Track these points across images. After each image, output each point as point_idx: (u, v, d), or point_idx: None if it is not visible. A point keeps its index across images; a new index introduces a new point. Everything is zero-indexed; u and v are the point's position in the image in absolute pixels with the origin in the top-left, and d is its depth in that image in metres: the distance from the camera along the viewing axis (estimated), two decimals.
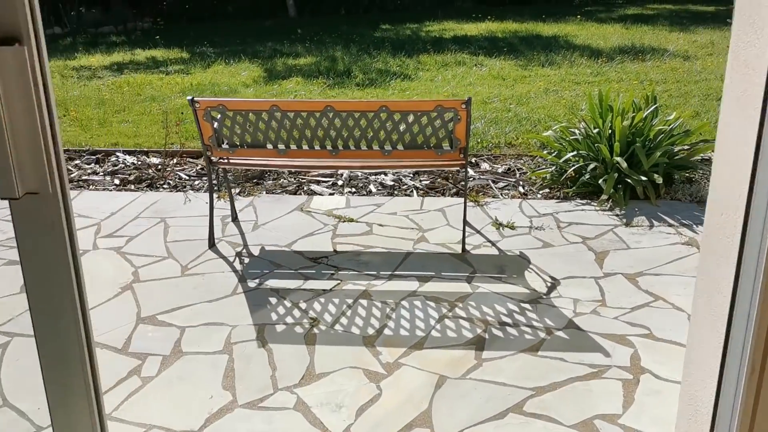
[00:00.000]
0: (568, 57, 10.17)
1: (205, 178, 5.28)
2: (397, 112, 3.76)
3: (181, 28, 17.07)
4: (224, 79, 9.63)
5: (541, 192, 4.93)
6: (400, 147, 3.90)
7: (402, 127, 3.83)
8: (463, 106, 3.71)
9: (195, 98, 3.84)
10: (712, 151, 5.50)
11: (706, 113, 6.77)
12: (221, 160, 4.09)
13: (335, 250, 4.05)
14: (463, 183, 4.95)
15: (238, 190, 5.04)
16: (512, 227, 4.30)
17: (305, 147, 3.95)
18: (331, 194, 5.01)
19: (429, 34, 13.59)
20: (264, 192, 5.06)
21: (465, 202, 4.05)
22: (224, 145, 4.00)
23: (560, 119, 6.76)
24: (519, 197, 4.86)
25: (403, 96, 8.30)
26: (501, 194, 4.94)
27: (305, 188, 5.12)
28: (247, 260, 3.95)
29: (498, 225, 4.33)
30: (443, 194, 4.98)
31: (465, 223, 4.05)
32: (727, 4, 16.55)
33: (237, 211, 4.61)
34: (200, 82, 9.39)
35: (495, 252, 3.98)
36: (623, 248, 3.95)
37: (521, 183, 5.11)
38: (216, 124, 3.92)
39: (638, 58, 9.87)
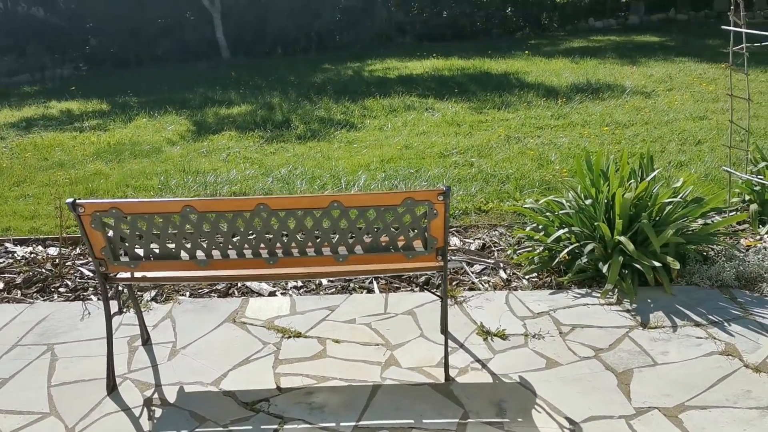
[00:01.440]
0: (523, 97, 9.50)
1: None
2: (353, 209, 2.84)
3: (104, 75, 15.88)
4: (147, 135, 8.56)
5: (528, 278, 4.06)
6: (358, 250, 2.97)
7: (360, 227, 2.91)
8: (440, 197, 2.82)
9: (78, 200, 2.83)
10: (732, 226, 4.88)
11: (691, 163, 6.09)
12: (121, 276, 3.08)
13: (279, 387, 3.07)
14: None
15: (152, 294, 4.01)
16: (503, 336, 3.40)
17: (233, 256, 2.98)
18: (272, 293, 4.03)
19: (372, 74, 12.82)
20: (188, 293, 4.04)
21: (445, 313, 3.13)
22: (123, 258, 2.99)
23: (531, 176, 5.97)
24: (503, 287, 3.98)
25: (350, 149, 7.41)
26: (480, 283, 4.05)
27: (239, 285, 4.13)
28: (158, 412, 2.93)
29: (485, 333, 3.43)
30: (410, 284, 4.07)
31: (446, 339, 3.13)
32: (667, 34, 16.39)
33: (148, 331, 3.57)
34: (119, 141, 8.29)
35: (488, 378, 3.06)
36: (649, 364, 3.09)
37: (502, 265, 4.24)
38: (111, 233, 2.92)
39: (598, 97, 9.26)
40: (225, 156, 7.33)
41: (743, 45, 4.52)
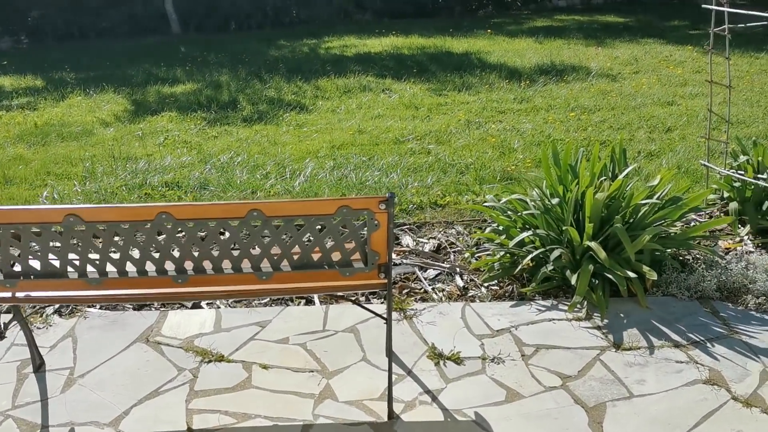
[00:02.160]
0: (485, 79, 9.04)
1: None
2: (277, 218, 2.34)
3: (46, 49, 14.92)
4: (79, 115, 7.87)
5: (487, 286, 3.62)
6: (285, 267, 2.48)
7: (287, 239, 2.41)
8: (382, 206, 2.33)
9: None
10: (712, 230, 4.36)
11: (662, 153, 5.71)
12: (1, 296, 2.54)
13: (190, 429, 2.57)
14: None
15: (54, 308, 3.45)
16: (458, 360, 2.95)
17: (132, 273, 2.46)
18: (196, 304, 3.51)
19: (329, 52, 12.21)
20: (97, 305, 3.50)
21: (389, 338, 2.66)
22: None
23: (493, 166, 5.52)
24: (459, 297, 3.53)
25: (299, 133, 6.87)
26: (434, 291, 3.59)
27: None
28: None
29: (437, 357, 2.98)
30: (354, 293, 3.59)
31: (390, 369, 2.66)
32: (634, 15, 16.09)
33: (42, 354, 3.03)
34: (47, 121, 7.59)
35: (438, 415, 2.61)
36: (624, 396, 2.68)
37: (459, 271, 3.79)
38: None
39: (562, 79, 8.85)
40: (162, 140, 6.71)
41: (725, 26, 4.11)
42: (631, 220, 3.49)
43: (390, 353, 2.69)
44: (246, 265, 2.46)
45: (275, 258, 2.44)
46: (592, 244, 3.28)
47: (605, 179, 3.62)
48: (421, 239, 4.27)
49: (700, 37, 11.97)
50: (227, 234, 2.37)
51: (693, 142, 5.99)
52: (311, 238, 2.40)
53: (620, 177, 3.52)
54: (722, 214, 4.19)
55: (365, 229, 2.38)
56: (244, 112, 7.77)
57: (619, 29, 13.67)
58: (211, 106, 8.07)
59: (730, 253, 3.80)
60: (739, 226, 4.01)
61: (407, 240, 4.26)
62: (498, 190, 4.88)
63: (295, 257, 2.46)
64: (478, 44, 12.22)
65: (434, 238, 4.27)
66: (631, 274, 3.21)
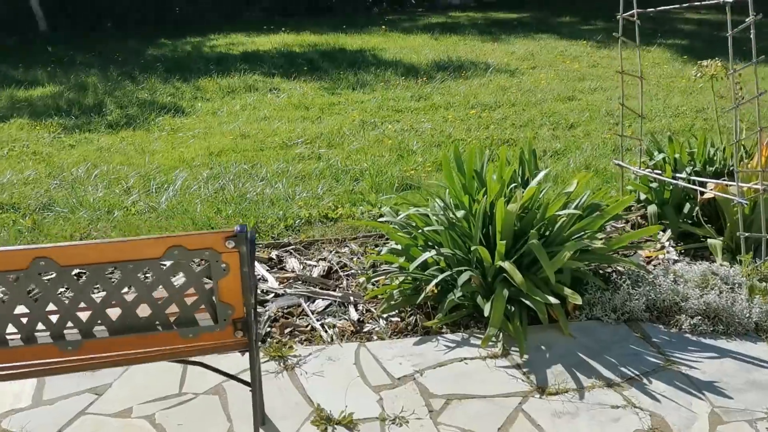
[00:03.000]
0: (381, 76, 8.50)
1: None
2: (77, 267, 1.64)
3: None
4: None
5: (386, 317, 3.04)
6: (101, 332, 1.78)
7: (99, 294, 1.72)
8: (230, 243, 1.69)
9: None
10: (639, 240, 3.94)
11: (568, 151, 5.33)
12: None
13: None
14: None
15: None
16: (350, 424, 2.35)
17: None
18: None
19: (214, 50, 11.34)
20: None
21: (256, 408, 2.02)
22: None
23: (390, 171, 4.96)
24: (353, 334, 2.93)
25: (173, 139, 6.06)
26: (324, 328, 2.97)
27: None
28: None
29: (325, 421, 2.36)
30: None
31: None
32: (524, 11, 16.09)
33: None
34: None
35: None
36: None
37: (353, 300, 3.19)
38: None
39: (461, 75, 8.45)
40: (6, 151, 5.73)
41: (634, 11, 3.72)
42: (548, 234, 3.01)
43: (257, 429, 2.05)
44: (43, 335, 1.75)
45: (85, 321, 1.75)
46: (506, 265, 2.76)
47: (516, 186, 3.12)
48: (309, 261, 3.64)
49: (592, 32, 11.97)
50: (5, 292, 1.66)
51: (598, 138, 5.67)
52: (135, 292, 1.73)
53: (533, 183, 3.03)
54: (639, 218, 3.80)
55: (210, 275, 1.73)
56: (110, 117, 6.86)
57: (513, 25, 13.54)
58: (71, 110, 7.10)
59: (653, 263, 3.40)
60: (660, 231, 3.63)
61: (293, 263, 3.61)
62: (396, 200, 4.32)
63: (115, 317, 1.77)
64: (373, 41, 11.70)
65: (324, 259, 3.65)
66: (552, 300, 2.71)
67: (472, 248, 2.83)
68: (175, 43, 12.42)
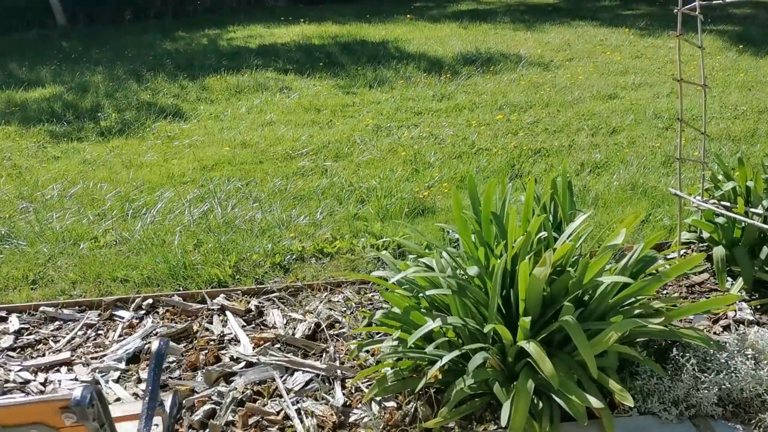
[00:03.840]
0: (401, 71, 7.82)
1: None
2: None
3: None
4: None
5: (380, 399, 2.40)
6: None
7: None
8: (69, 417, 1.04)
9: None
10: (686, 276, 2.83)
11: (610, 164, 4.59)
12: None
13: None
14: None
15: None
16: None
17: None
18: None
19: (230, 43, 10.77)
20: None
21: None
22: None
23: (401, 190, 4.29)
24: (336, 428, 2.30)
25: (166, 149, 5.49)
26: (300, 416, 2.35)
27: None
28: None
29: None
30: None
31: None
32: None
33: None
34: None
35: None
36: None
37: (340, 373, 2.56)
38: None
39: (488, 70, 7.71)
40: None
41: (695, 3, 2.98)
42: (587, 299, 2.32)
43: None
44: None
45: None
46: (531, 348, 2.09)
47: (545, 241, 2.43)
48: (294, 314, 3.01)
49: (634, 18, 11.07)
50: None
51: (645, 147, 4.92)
52: None
53: (566, 237, 2.34)
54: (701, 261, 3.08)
55: None
56: (105, 123, 6.32)
57: (547, 11, 12.68)
58: (65, 115, 6.58)
59: (720, 322, 2.69)
60: (728, 278, 2.91)
61: (275, 317, 2.99)
62: (403, 232, 3.66)
63: None
64: (397, 31, 10.99)
65: (313, 312, 3.02)
66: (594, 402, 2.03)
67: (488, 326, 2.17)
68: (192, 36, 11.88)
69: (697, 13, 3.02)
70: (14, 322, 3.01)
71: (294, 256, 3.53)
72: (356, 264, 3.43)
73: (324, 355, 2.70)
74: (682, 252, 3.19)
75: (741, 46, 8.24)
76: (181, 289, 3.25)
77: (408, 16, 12.61)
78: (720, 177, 3.19)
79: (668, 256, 3.19)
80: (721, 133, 5.13)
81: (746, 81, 6.66)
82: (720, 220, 2.97)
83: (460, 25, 11.37)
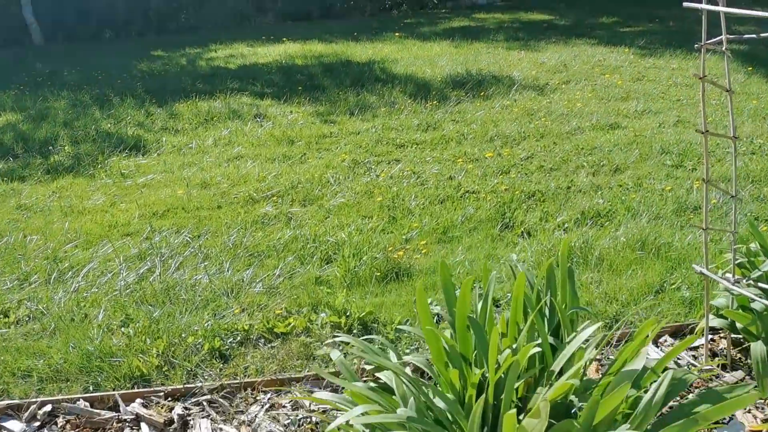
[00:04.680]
0: (386, 96, 7.25)
1: None
2: None
3: None
4: None
5: None
6: None
7: None
8: None
9: None
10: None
11: (614, 214, 3.99)
12: None
13: None
14: None
15: None
16: None
17: None
18: None
19: (210, 64, 10.21)
20: None
21: None
22: None
23: (374, 245, 3.69)
24: None
25: (116, 190, 4.89)
26: None
27: None
28: None
29: None
30: None
31: None
32: (555, 12, 14.64)
33: None
34: None
35: None
36: None
37: None
38: None
39: (479, 95, 7.15)
40: None
41: (722, 37, 2.42)
42: None
43: None
44: None
45: None
46: None
47: (538, 352, 1.83)
48: (227, 426, 2.41)
49: (634, 35, 10.54)
50: None
51: (653, 191, 4.33)
52: None
53: (566, 378, 1.74)
54: (735, 354, 2.48)
55: None
56: (56, 157, 5.73)
57: (543, 28, 12.15)
58: (13, 149, 5.99)
59: None
60: None
61: (202, 430, 2.39)
62: (371, 308, 3.06)
63: None
64: (385, 50, 10.45)
65: (250, 424, 2.41)
66: None
67: None
68: (171, 56, 11.33)
69: (724, 48, 2.45)
70: None
71: (238, 338, 2.93)
72: (312, 349, 2.83)
73: None
74: (709, 339, 2.59)
75: (750, 68, 7.69)
76: (92, 387, 2.65)
77: (397, 33, 12.07)
78: (754, 246, 2.60)
79: (692, 345, 2.60)
80: (738, 173, 4.56)
81: (759, 108, 6.09)
82: (757, 305, 2.38)
83: (452, 43, 10.84)
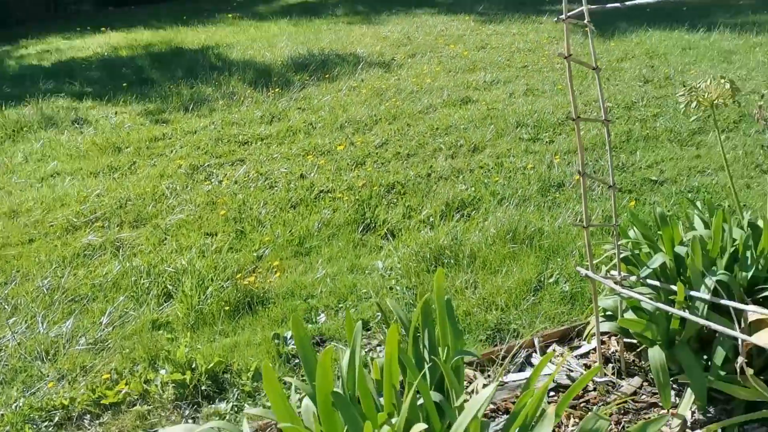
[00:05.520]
0: (224, 86, 6.63)
1: None
2: None
3: None
4: None
5: None
6: None
7: None
8: None
9: None
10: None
11: (479, 201, 3.72)
12: None
13: None
14: None
15: None
16: None
17: None
18: None
19: (20, 63, 9.00)
20: None
21: None
22: None
23: (225, 268, 3.19)
24: None
25: None
26: None
27: None
28: None
29: None
30: None
31: None
32: None
33: None
34: None
35: None
36: None
37: None
38: None
39: (325, 76, 6.71)
40: None
41: (584, 7, 2.15)
42: None
43: None
44: None
45: None
46: None
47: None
48: None
49: (472, 2, 10.51)
50: None
51: (515, 170, 4.13)
52: None
53: None
54: (629, 363, 2.27)
55: None
56: None
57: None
58: None
59: None
60: (674, 396, 2.11)
61: None
62: (221, 355, 2.58)
63: None
64: (219, 34, 9.71)
65: None
66: None
67: None
68: None
69: (587, 21, 2.19)
70: None
71: (56, 419, 2.35)
72: (152, 420, 2.32)
73: None
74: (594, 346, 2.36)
75: (587, 28, 7.79)
76: None
77: (231, 15, 11.31)
78: (633, 234, 2.39)
79: (579, 351, 2.36)
80: (594, 140, 4.47)
81: (603, 71, 6.12)
82: (649, 306, 2.16)
83: (290, 21, 10.29)
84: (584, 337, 2.42)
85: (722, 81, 2.27)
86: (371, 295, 2.89)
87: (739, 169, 3.89)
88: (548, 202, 3.67)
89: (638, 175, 3.94)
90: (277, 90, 6.31)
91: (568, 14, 2.17)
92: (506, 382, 2.23)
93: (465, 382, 2.27)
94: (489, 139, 4.66)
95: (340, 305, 2.87)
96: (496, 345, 2.50)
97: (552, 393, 2.20)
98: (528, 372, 2.31)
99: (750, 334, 1.94)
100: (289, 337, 2.64)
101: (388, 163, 4.40)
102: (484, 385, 2.11)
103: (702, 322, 1.92)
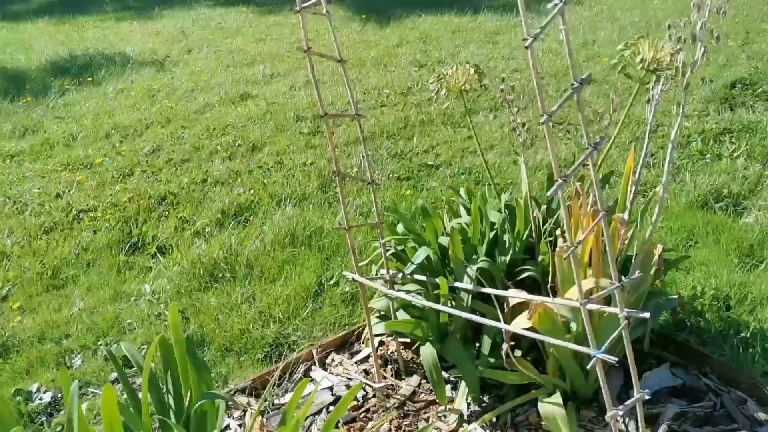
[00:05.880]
0: None
1: None
2: None
3: None
4: None
5: None
6: None
7: None
8: None
9: None
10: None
11: (258, 208, 3.51)
12: None
13: None
14: None
15: None
16: None
17: None
18: None
19: None
20: None
21: None
22: None
23: None
24: None
25: None
26: None
27: None
28: None
29: None
30: None
31: None
32: None
33: None
34: None
35: None
36: None
37: None
38: None
39: (88, 80, 6.08)
40: None
41: None
42: None
43: None
44: None
45: None
46: None
47: None
48: None
49: None
50: None
51: (296, 167, 3.97)
52: None
53: None
54: (402, 374, 2.21)
55: None
56: None
57: None
58: None
59: None
60: (452, 390, 2.07)
61: None
62: None
63: None
64: None
65: None
66: None
67: None
68: None
69: (324, 11, 2.06)
70: None
71: None
72: None
73: None
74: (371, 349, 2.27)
75: (363, 15, 7.84)
76: None
77: None
78: (401, 228, 2.32)
79: (359, 357, 2.26)
80: (373, 129, 4.44)
81: (380, 57, 6.17)
82: (415, 303, 2.10)
83: (51, 20, 9.28)
84: (362, 340, 2.32)
85: (467, 66, 2.26)
86: (135, 326, 2.58)
87: (506, 146, 4.06)
88: (329, 198, 3.56)
89: (415, 161, 3.96)
90: (29, 99, 5.61)
91: (303, 5, 2.02)
92: (282, 405, 2.07)
93: (240, 411, 2.08)
94: (268, 137, 4.47)
95: (100, 343, 2.53)
96: (275, 362, 2.33)
97: (332, 408, 2.08)
98: (309, 388, 2.16)
99: (512, 318, 1.94)
100: (34, 390, 2.27)
101: (159, 172, 4.04)
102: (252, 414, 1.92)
103: (464, 315, 1.89)
